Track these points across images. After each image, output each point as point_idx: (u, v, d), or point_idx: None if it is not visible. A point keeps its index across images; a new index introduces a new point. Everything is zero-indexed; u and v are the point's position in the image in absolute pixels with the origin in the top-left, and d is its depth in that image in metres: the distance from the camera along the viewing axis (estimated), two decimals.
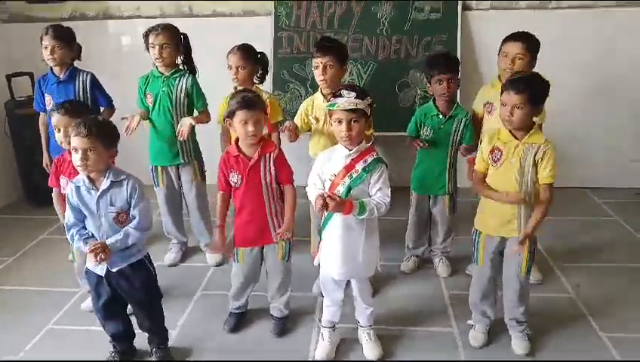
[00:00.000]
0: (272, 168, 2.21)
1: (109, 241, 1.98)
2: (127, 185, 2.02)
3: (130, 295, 2.14)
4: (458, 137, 2.68)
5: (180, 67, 2.86)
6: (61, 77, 2.87)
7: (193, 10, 3.89)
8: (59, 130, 2.28)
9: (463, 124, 2.65)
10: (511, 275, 2.22)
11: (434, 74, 2.61)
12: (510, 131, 2.09)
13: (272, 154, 2.21)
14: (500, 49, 2.61)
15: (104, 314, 2.17)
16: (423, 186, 2.79)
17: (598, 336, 2.35)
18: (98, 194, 1.99)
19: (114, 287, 2.10)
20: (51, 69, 2.89)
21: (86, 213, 2.02)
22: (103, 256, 1.94)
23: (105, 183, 1.99)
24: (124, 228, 2.01)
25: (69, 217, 2.04)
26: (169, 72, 2.81)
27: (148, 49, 2.77)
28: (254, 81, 2.80)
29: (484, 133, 2.63)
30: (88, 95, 2.92)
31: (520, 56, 2.52)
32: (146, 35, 2.75)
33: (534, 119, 2.09)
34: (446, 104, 2.65)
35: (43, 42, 2.79)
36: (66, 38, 2.83)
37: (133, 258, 2.09)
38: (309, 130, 2.64)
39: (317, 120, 2.57)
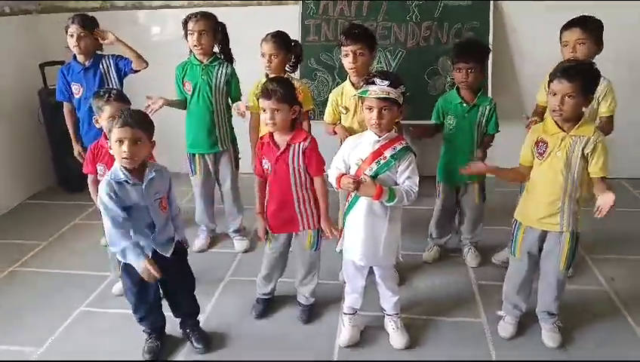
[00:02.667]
0: (301, 159, 2.18)
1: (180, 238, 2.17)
2: (166, 172, 2.10)
3: (177, 278, 2.18)
4: (483, 126, 2.63)
5: (218, 55, 2.86)
6: (86, 64, 2.88)
7: None
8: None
9: (487, 113, 2.60)
10: (550, 269, 2.16)
11: (455, 62, 2.57)
12: (557, 123, 2.01)
13: (301, 145, 2.17)
14: (560, 39, 2.51)
15: (148, 310, 2.19)
16: (450, 176, 2.74)
17: (633, 330, 2.29)
18: (145, 184, 1.99)
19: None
20: (74, 57, 2.91)
21: (131, 207, 1.97)
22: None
23: (150, 173, 2.01)
24: (176, 223, 2.16)
25: (113, 221, 1.93)
26: (208, 60, 2.82)
27: (186, 36, 2.77)
28: (286, 69, 2.78)
29: None
30: (114, 75, 2.91)
31: (580, 41, 2.40)
32: (185, 22, 2.76)
33: (584, 109, 2.00)
34: (469, 92, 2.60)
35: (69, 31, 2.81)
36: (90, 27, 2.84)
37: (175, 239, 2.17)
38: (340, 119, 2.62)
39: (347, 109, 2.55)
